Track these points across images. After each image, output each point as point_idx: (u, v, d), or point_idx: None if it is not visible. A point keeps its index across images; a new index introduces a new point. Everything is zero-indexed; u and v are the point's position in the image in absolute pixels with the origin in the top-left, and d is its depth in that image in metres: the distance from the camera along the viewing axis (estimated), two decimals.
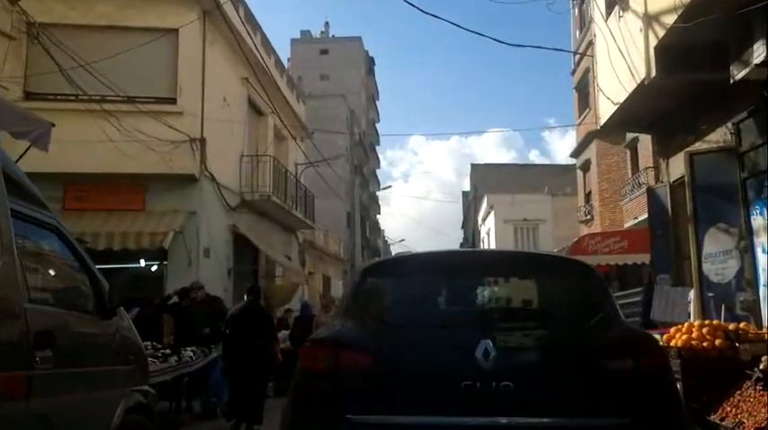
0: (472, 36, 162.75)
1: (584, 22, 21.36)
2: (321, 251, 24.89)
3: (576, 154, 23.38)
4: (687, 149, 7.00)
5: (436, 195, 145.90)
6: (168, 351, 6.72)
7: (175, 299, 9.43)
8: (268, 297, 16.50)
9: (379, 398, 2.99)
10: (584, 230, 21.53)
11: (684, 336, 5.54)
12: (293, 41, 67.83)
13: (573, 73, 23.85)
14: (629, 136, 19.51)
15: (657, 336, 6.23)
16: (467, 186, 68.41)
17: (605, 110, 8.59)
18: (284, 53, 66.73)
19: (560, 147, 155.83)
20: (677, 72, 6.32)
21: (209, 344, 8.13)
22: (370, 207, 66.20)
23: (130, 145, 11.67)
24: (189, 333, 8.23)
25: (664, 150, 8.44)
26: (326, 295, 11.54)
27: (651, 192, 8.97)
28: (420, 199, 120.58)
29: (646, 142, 18.17)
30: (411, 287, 3.63)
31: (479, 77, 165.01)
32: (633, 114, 8.08)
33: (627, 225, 17.72)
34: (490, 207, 35.55)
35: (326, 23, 72.41)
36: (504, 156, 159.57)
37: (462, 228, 68.96)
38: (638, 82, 6.95)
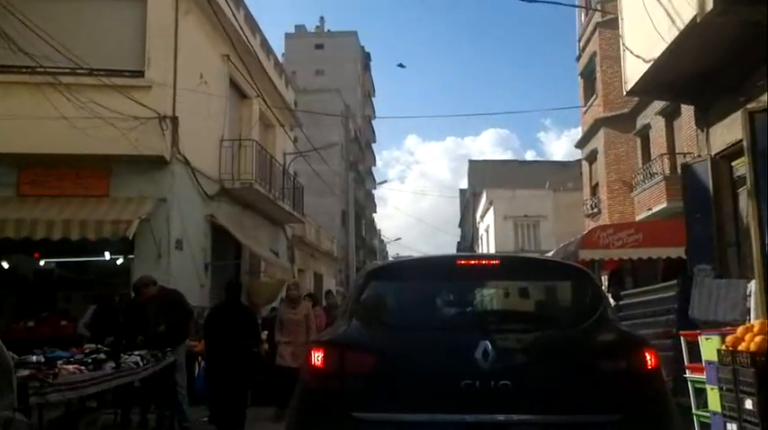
0: (471, 34, 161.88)
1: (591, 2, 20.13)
2: (312, 247, 23.57)
3: (581, 144, 22.12)
4: (746, 107, 5.76)
5: (433, 195, 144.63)
6: (103, 356, 5.41)
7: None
8: (252, 295, 15.25)
9: (383, 397, 3.08)
10: (590, 225, 20.27)
11: (759, 338, 4.25)
12: (287, 36, 66.68)
13: (578, 59, 22.62)
14: (640, 122, 18.29)
15: (715, 338, 4.99)
16: (464, 186, 67.42)
17: (633, 72, 7.36)
18: (278, 48, 65.53)
19: (556, 148, 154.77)
20: (737, 4, 5.06)
21: (165, 346, 6.82)
22: (366, 205, 64.88)
23: (92, 123, 10.35)
24: (141, 332, 6.93)
25: (703, 118, 7.20)
26: (295, 286, 9.95)
27: (687, 170, 7.71)
28: (417, 194, 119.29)
29: (659, 128, 16.94)
30: (413, 290, 3.70)
31: (477, 76, 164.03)
32: (667, 75, 6.83)
33: (639, 217, 16.48)
34: (489, 202, 34.23)
35: (321, 18, 71.50)
36: (501, 157, 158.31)
37: (460, 226, 67.73)
38: (682, 27, 5.71)
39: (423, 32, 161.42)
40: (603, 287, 9.53)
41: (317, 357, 3.24)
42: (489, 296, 3.91)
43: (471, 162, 51.29)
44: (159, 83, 11.14)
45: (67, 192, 11.09)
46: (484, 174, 43.83)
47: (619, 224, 15.28)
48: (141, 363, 5.92)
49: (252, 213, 16.18)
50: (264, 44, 17.90)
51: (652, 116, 17.32)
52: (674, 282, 7.39)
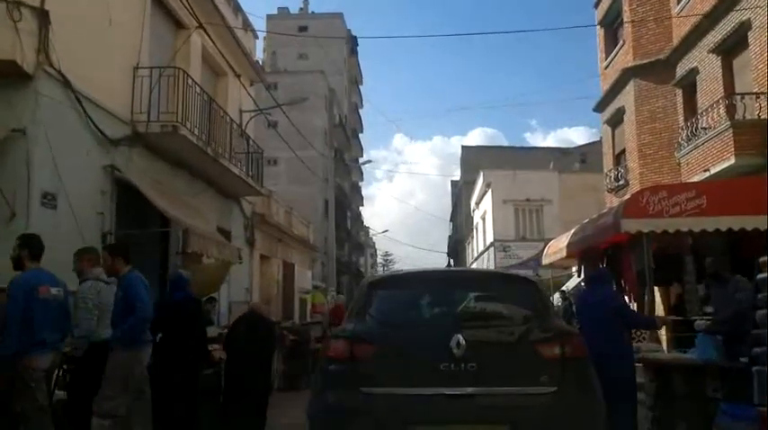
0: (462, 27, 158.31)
1: None
2: (280, 230, 19.74)
3: (601, 106, 18.47)
4: None
5: (420, 195, 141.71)
6: None
7: None
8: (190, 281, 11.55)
9: (382, 376, 4.05)
10: (613, 202, 16.64)
11: None
12: (269, 17, 62.98)
13: (596, 5, 19.00)
14: (683, 69, 14.66)
15: None
16: (451, 185, 63.84)
17: None
18: (261, 32, 61.92)
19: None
20: None
21: None
22: (352, 198, 61.19)
23: None
24: None
25: None
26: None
27: None
28: (405, 192, 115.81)
29: (712, 70, 13.31)
30: (404, 296, 4.81)
31: (468, 72, 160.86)
32: None
33: None
34: (487, 185, 30.47)
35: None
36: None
37: (451, 220, 64.18)
38: None
39: (414, 21, 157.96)
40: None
41: (334, 347, 4.32)
42: (461, 301, 4.78)
43: (464, 148, 47.66)
44: None
45: None
46: (478, 162, 40.22)
47: (673, 185, 11.64)
48: None
49: (188, 176, 12.41)
50: None
51: (701, 57, 13.70)
52: None
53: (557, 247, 15.55)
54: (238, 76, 15.73)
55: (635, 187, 15.67)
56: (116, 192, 9.54)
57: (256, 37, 18.22)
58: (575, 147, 45.53)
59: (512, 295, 4.74)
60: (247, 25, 17.27)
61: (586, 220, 13.46)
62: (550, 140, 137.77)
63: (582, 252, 13.48)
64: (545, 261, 16.98)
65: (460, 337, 3.98)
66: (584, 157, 40.45)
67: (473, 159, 42.24)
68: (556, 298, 18.46)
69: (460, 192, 51.04)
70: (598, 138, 44.75)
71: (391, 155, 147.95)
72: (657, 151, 15.24)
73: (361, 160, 54.00)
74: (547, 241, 28.62)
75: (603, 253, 12.98)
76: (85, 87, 8.68)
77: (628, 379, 5.59)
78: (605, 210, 11.89)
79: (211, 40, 13.42)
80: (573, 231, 14.33)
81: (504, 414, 3.93)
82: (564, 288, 19.37)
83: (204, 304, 10.88)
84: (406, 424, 3.91)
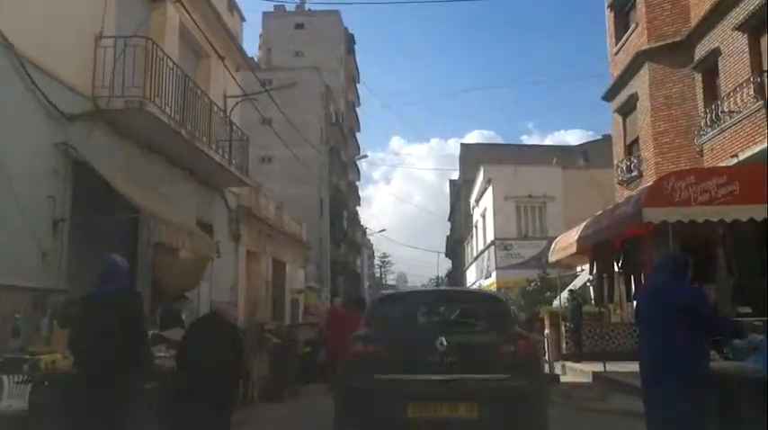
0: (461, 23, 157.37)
1: None
2: (269, 226, 18.54)
3: (611, 94, 17.34)
4: None
5: (418, 198, 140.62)
6: None
7: None
8: (159, 277, 10.45)
9: (388, 366, 5.48)
10: (624, 195, 15.50)
11: None
12: (265, 15, 61.92)
13: None
14: (702, 50, 13.54)
15: None
16: (448, 187, 62.63)
17: None
18: (256, 29, 61.08)
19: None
20: None
21: None
22: (349, 197, 59.94)
23: None
24: None
25: None
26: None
27: None
28: (403, 193, 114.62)
29: (736, 49, 12.18)
30: (404, 309, 6.64)
31: (467, 72, 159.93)
32: None
33: None
34: (487, 181, 29.27)
35: None
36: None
37: (449, 220, 63.02)
38: None
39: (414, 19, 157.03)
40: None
41: (354, 347, 5.88)
42: (446, 312, 6.59)
43: (464, 146, 46.47)
44: None
45: None
46: (478, 159, 39.04)
47: (702, 170, 10.52)
48: None
49: (163, 162, 11.25)
50: None
51: (724, 36, 12.59)
52: None
53: (566, 243, 14.42)
54: (222, 59, 14.58)
55: (650, 178, 14.54)
56: (72, 173, 8.36)
57: (243, 19, 17.04)
58: (576, 146, 44.42)
59: (484, 309, 6.50)
60: (233, 6, 16.12)
61: (600, 212, 12.34)
62: (548, 143, 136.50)
63: (596, 247, 12.35)
64: (552, 258, 15.84)
65: (443, 339, 5.45)
66: (586, 156, 39.32)
67: (472, 157, 41.09)
68: (564, 297, 17.32)
69: (459, 192, 49.87)
70: (599, 137, 43.89)
71: (388, 157, 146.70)
72: (674, 139, 14.11)
73: (357, 156, 52.60)
74: (550, 239, 27.50)
75: (620, 248, 11.87)
76: (35, 54, 7.54)
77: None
78: (629, 197, 10.73)
79: (191, 17, 12.31)
80: (585, 224, 13.20)
81: (474, 394, 5.32)
82: (572, 286, 18.24)
83: (173, 303, 9.76)
84: (406, 400, 5.29)
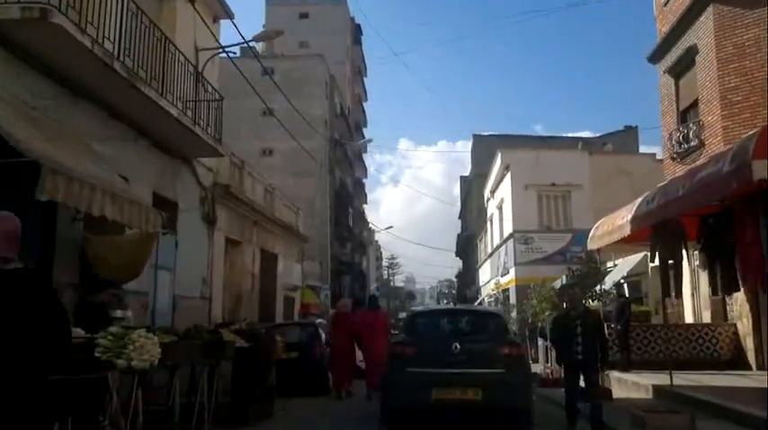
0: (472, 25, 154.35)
1: None
2: (255, 211, 15.91)
3: (658, 54, 14.59)
4: None
5: (426, 199, 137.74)
6: None
7: None
8: (94, 261, 7.88)
9: (418, 362, 7.69)
10: (676, 172, 12.80)
11: None
12: (269, 3, 59.71)
13: None
14: None
15: None
16: (456, 192, 59.88)
17: None
18: (259, 18, 58.58)
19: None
20: None
21: None
22: (354, 194, 57.33)
23: None
24: None
25: None
26: None
27: None
28: (412, 197, 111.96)
29: None
30: (430, 321, 9.42)
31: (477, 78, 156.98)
32: None
33: None
34: (505, 168, 26.44)
35: None
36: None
37: (460, 217, 60.28)
38: None
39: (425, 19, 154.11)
40: None
41: (395, 348, 8.34)
42: (460, 324, 8.95)
43: (476, 137, 43.73)
44: None
45: None
46: (493, 149, 36.33)
47: None
48: None
49: (97, 111, 8.67)
50: None
51: None
52: None
53: (611, 225, 11.70)
54: (192, 2, 12.02)
55: (715, 148, 11.82)
56: None
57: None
58: (597, 137, 41.64)
59: (487, 322, 8.93)
60: None
61: (665, 182, 9.63)
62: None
63: (660, 227, 9.64)
64: (591, 245, 13.12)
65: (457, 344, 7.74)
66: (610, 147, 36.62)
67: (486, 149, 38.36)
68: (609, 285, 15.29)
69: (470, 187, 47.13)
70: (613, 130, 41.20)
71: (396, 159, 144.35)
72: (748, 96, 11.39)
73: (361, 141, 49.89)
74: (575, 232, 24.81)
75: (699, 225, 9.17)
76: None
77: None
78: (729, 148, 7.97)
79: None
80: (638, 202, 10.52)
81: (479, 382, 7.46)
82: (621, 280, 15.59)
83: (98, 294, 7.16)
84: (431, 387, 7.47)
